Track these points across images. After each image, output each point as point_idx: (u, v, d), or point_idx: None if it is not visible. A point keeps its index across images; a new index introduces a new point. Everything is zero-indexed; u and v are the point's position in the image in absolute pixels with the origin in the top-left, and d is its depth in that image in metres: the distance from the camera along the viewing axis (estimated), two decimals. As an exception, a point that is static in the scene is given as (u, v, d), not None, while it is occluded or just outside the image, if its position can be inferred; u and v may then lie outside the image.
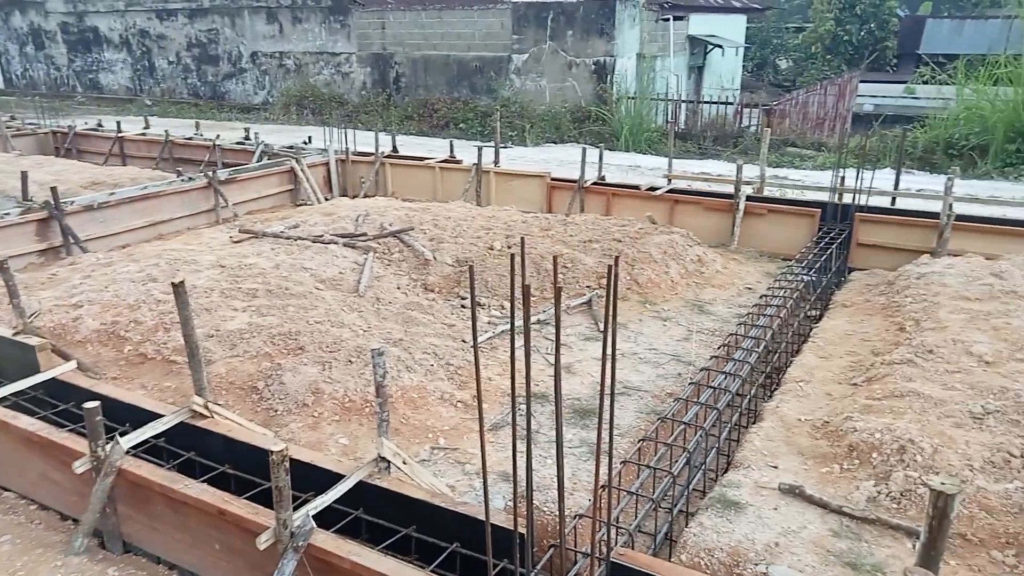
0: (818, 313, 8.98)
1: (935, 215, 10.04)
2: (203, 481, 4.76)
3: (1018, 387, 5.81)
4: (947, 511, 3.10)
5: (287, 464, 3.85)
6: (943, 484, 3.13)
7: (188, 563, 4.75)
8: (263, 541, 3.95)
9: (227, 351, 6.79)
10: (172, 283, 4.96)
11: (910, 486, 4.86)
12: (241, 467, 5.06)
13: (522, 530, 3.89)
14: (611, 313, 3.33)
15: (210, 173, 13.09)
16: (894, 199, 11.24)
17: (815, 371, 6.90)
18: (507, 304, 8.78)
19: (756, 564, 4.44)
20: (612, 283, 3.23)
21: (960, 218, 9.87)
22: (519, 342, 3.57)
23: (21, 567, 4.57)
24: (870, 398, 5.98)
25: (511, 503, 4.46)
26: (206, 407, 5.31)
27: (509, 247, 9.88)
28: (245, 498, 4.64)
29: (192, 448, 5.28)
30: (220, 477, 5.03)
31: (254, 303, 7.75)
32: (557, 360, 3.34)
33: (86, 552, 4.74)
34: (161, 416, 5.27)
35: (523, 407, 6.24)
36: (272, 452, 3.78)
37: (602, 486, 4.11)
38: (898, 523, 4.65)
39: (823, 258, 9.35)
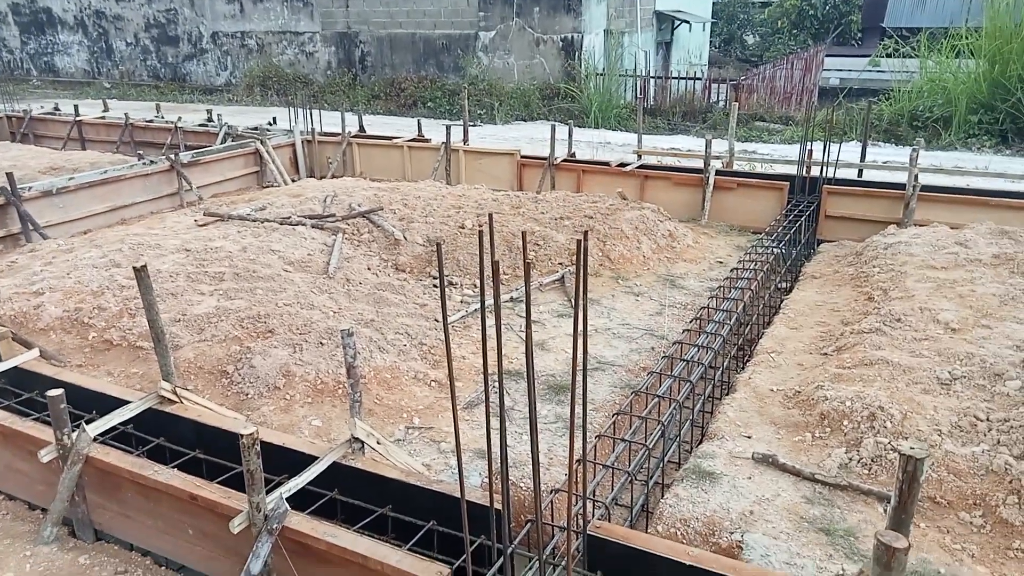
0: (788, 285, 9.07)
1: (901, 186, 10.16)
2: (174, 467, 4.68)
3: (983, 353, 5.92)
4: (916, 475, 3.14)
5: (258, 447, 3.79)
6: (912, 449, 3.16)
7: (162, 549, 4.67)
8: (236, 525, 3.89)
9: (195, 335, 6.67)
10: (134, 267, 4.83)
11: (880, 452, 4.93)
12: (212, 452, 4.98)
13: (499, 506, 3.88)
14: (583, 287, 3.31)
15: (172, 156, 12.79)
16: (861, 171, 11.35)
17: (786, 342, 6.97)
18: (479, 282, 8.73)
19: (732, 532, 4.48)
20: (583, 257, 3.20)
21: (925, 188, 9.99)
22: (491, 320, 3.55)
23: (-12, 559, 4.47)
24: (840, 367, 6.06)
25: (487, 480, 4.45)
26: (174, 392, 5.21)
27: (480, 226, 9.80)
28: (217, 482, 4.57)
29: (161, 434, 5.18)
30: (191, 462, 4.95)
31: (221, 287, 7.61)
32: (528, 335, 3.31)
33: (56, 541, 4.65)
34: (128, 403, 5.16)
35: (497, 385, 6.23)
36: (242, 435, 3.71)
37: (577, 460, 4.10)
38: (869, 488, 4.73)
39: (792, 230, 9.43)
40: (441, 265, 3.20)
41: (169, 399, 5.22)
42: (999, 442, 4.85)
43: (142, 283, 4.90)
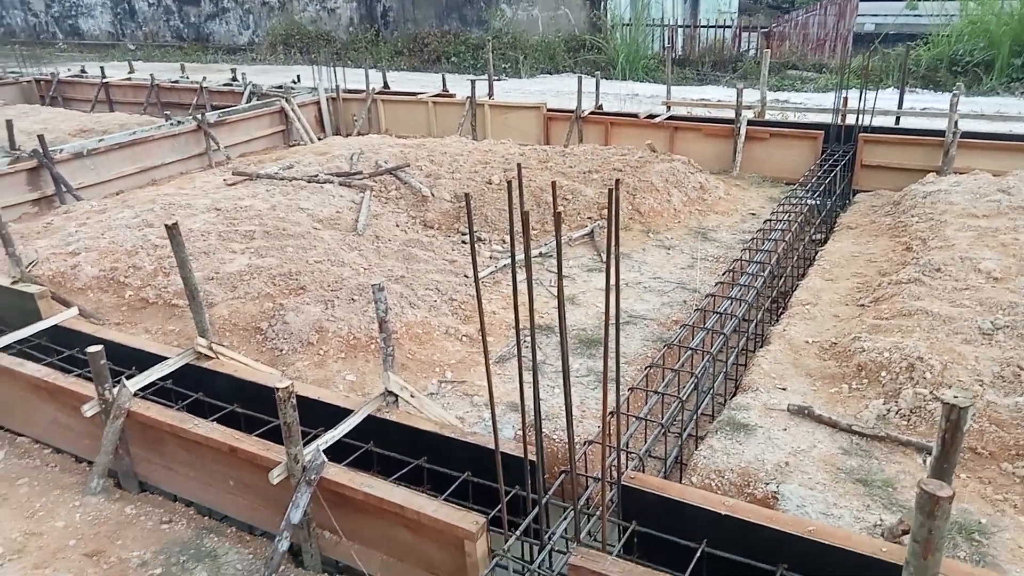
0: (823, 236, 8.90)
1: (940, 133, 9.85)
2: (213, 421, 4.77)
3: (1026, 302, 5.77)
4: (959, 424, 3.08)
5: (294, 400, 3.83)
6: (955, 397, 3.10)
7: (204, 500, 4.79)
8: (275, 476, 3.96)
9: (228, 293, 6.73)
10: (166, 225, 4.86)
11: (919, 403, 4.86)
12: (249, 406, 5.05)
13: (532, 457, 3.90)
14: (615, 236, 3.25)
15: (199, 116, 12.81)
16: (898, 119, 11.02)
17: (821, 293, 6.86)
18: (508, 238, 8.69)
19: (767, 483, 4.47)
20: (614, 207, 3.14)
21: (966, 135, 9.67)
22: (521, 275, 3.53)
23: (40, 508, 4.61)
24: (878, 318, 5.95)
25: (520, 432, 4.47)
26: (210, 348, 5.27)
27: (507, 181, 9.70)
28: (255, 435, 4.65)
29: (199, 389, 5.26)
30: (229, 416, 5.03)
31: (252, 245, 7.66)
32: (560, 284, 3.27)
33: (103, 492, 4.78)
34: (166, 359, 5.25)
35: (528, 338, 6.22)
36: (278, 389, 3.75)
37: (611, 412, 4.09)
38: (908, 439, 4.67)
39: (827, 181, 9.21)
40: (471, 218, 3.17)
41: (206, 355, 5.30)
42: (1043, 392, 4.75)
43: (174, 240, 4.93)
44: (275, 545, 3.95)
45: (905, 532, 3.60)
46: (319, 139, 13.91)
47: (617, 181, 3.29)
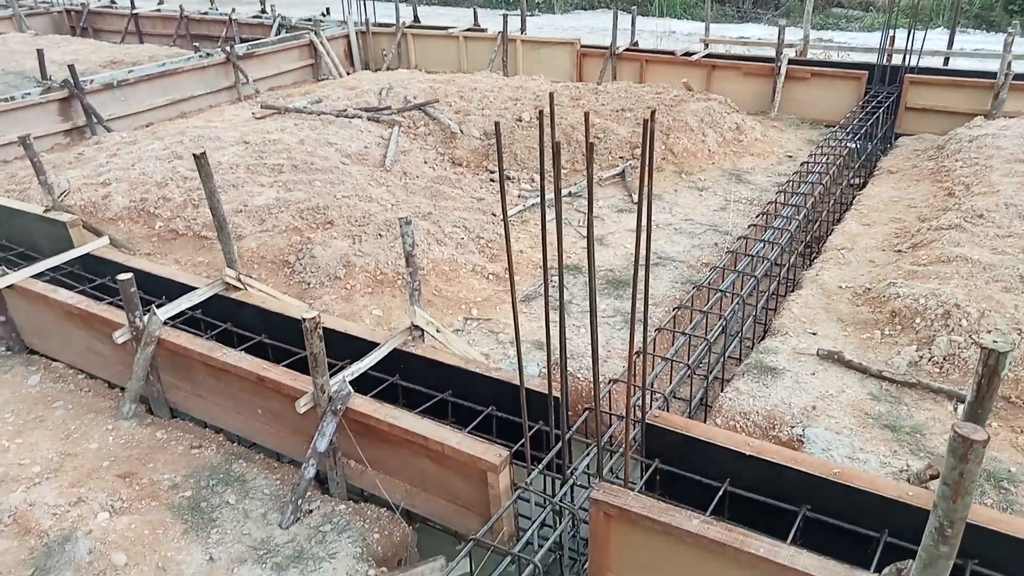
0: (862, 181, 8.65)
1: (991, 75, 9.42)
2: (241, 351, 4.83)
3: (1073, 251, 5.57)
4: (997, 369, 2.99)
5: (320, 331, 3.85)
6: (995, 342, 3.01)
7: (233, 427, 4.88)
8: (302, 405, 4.01)
9: (256, 226, 6.75)
10: (194, 155, 4.84)
11: (954, 351, 4.76)
12: (277, 337, 5.10)
13: (556, 394, 3.90)
14: (648, 167, 3.15)
15: (228, 48, 12.68)
16: (947, 59, 10.57)
17: (857, 239, 6.69)
18: (537, 177, 8.56)
19: (792, 427, 4.43)
20: (648, 139, 3.03)
21: (1019, 77, 9.24)
22: (550, 215, 3.46)
23: (75, 430, 4.74)
24: (915, 264, 5.79)
25: (545, 370, 4.46)
26: (238, 280, 5.31)
27: (539, 111, 9.52)
28: (283, 366, 4.71)
29: (228, 319, 5.32)
30: (257, 347, 5.09)
31: (280, 178, 7.64)
32: (590, 218, 3.20)
33: (135, 417, 4.90)
34: (195, 288, 5.30)
35: (555, 277, 6.18)
36: (304, 319, 3.76)
37: (636, 352, 4.06)
38: (940, 386, 4.59)
39: (869, 123, 8.90)
40: (500, 149, 3.08)
41: (234, 286, 5.34)
42: (1084, 343, 4.61)
43: (202, 170, 4.92)
44: (302, 472, 4.02)
45: (933, 477, 3.55)
46: (348, 74, 13.73)
47: (653, 112, 3.17)
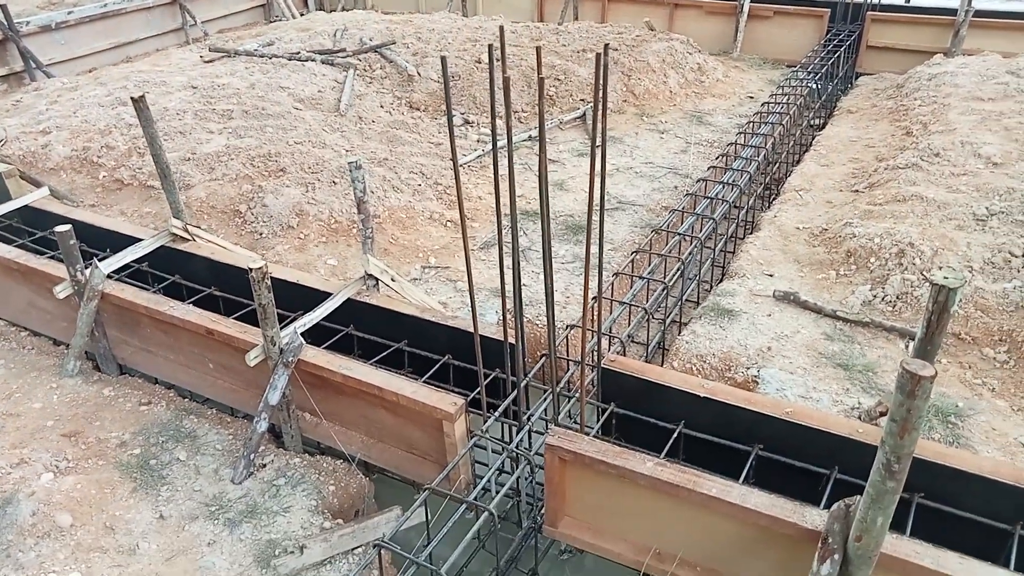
0: (822, 121, 8.62)
1: (952, 12, 9.37)
2: (190, 304, 4.69)
3: (1025, 188, 5.62)
4: (947, 305, 3.00)
5: (268, 282, 3.73)
6: (945, 278, 3.01)
7: (184, 382, 4.77)
8: (252, 357, 3.91)
9: (205, 175, 6.52)
10: (132, 98, 4.60)
11: (907, 289, 4.80)
12: (227, 289, 4.97)
13: (512, 341, 3.85)
14: (602, 110, 3.06)
15: (174, -12, 12.10)
16: (909, -4, 10.46)
17: (816, 179, 6.69)
18: (499, 121, 8.37)
19: (748, 368, 4.46)
20: (602, 73, 2.93)
21: (979, 14, 9.20)
22: (507, 159, 3.37)
23: (17, 389, 4.60)
24: (871, 204, 5.81)
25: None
26: (185, 230, 5.13)
27: (498, 60, 9.27)
28: (234, 318, 4.59)
29: (176, 272, 5.16)
30: (207, 299, 4.96)
31: (230, 124, 7.37)
32: (542, 152, 3.12)
33: (80, 375, 4.76)
34: (140, 240, 5.11)
35: (511, 223, 6.09)
36: (251, 269, 3.64)
37: (593, 297, 4.02)
38: (892, 325, 4.64)
39: (830, 63, 8.83)
40: (448, 92, 2.95)
41: (181, 237, 5.16)
42: (1033, 279, 4.68)
43: (141, 115, 4.69)
44: (254, 425, 3.95)
45: (883, 414, 3.61)
46: (301, 15, 13.22)
47: (606, 47, 3.05)
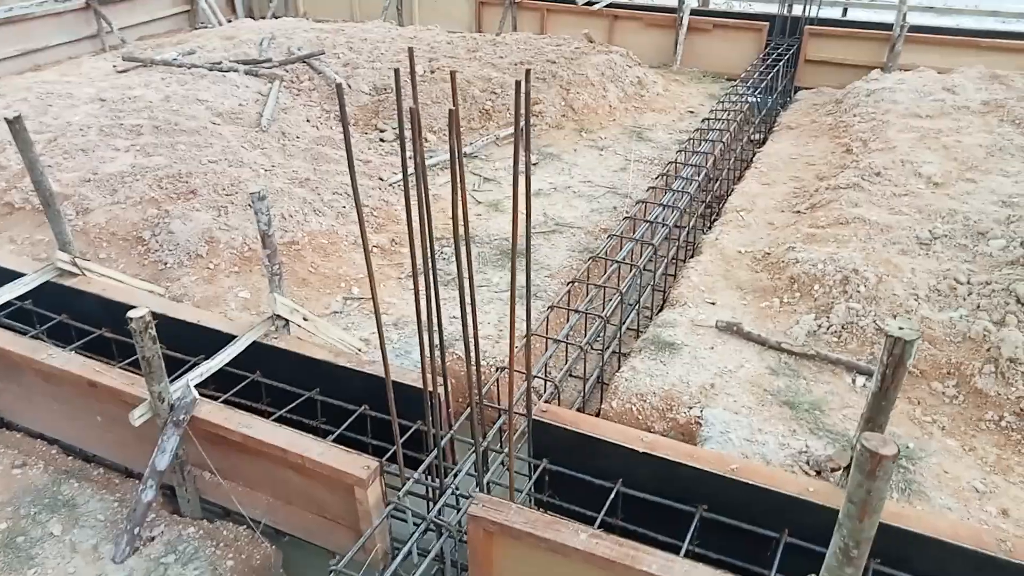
0: (762, 137, 8.48)
1: (888, 27, 9.37)
2: (76, 347, 4.19)
3: (966, 209, 5.50)
4: (903, 359, 2.75)
5: (153, 331, 3.28)
6: (900, 328, 2.76)
7: (70, 436, 4.26)
8: (137, 417, 3.45)
9: (107, 197, 5.97)
10: (5, 119, 4.08)
11: (852, 318, 4.59)
12: (121, 330, 4.45)
13: (439, 388, 3.47)
14: (526, 132, 2.73)
15: (88, -9, 11.39)
16: (846, 9, 10.51)
17: (757, 199, 6.49)
18: (432, 136, 8.00)
19: (690, 408, 4.17)
20: (523, 101, 2.60)
21: (914, 29, 9.23)
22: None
23: None
24: (814, 226, 5.62)
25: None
26: (74, 263, 4.62)
27: (432, 72, 8.92)
28: (127, 363, 4.11)
29: (63, 310, 4.64)
30: (98, 342, 4.45)
31: (139, 141, 6.81)
32: (454, 180, 2.77)
33: (-51, 431, 4.20)
34: (22, 276, 4.57)
35: (445, 248, 5.71)
36: (131, 319, 3.18)
37: (523, 336, 3.68)
38: (838, 358, 4.41)
39: (769, 76, 8.71)
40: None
41: (70, 271, 4.64)
42: (979, 307, 4.52)
43: (18, 137, 4.17)
44: (138, 495, 3.48)
45: (835, 470, 3.35)
46: (229, 22, 12.63)
47: (528, 72, 2.73)
